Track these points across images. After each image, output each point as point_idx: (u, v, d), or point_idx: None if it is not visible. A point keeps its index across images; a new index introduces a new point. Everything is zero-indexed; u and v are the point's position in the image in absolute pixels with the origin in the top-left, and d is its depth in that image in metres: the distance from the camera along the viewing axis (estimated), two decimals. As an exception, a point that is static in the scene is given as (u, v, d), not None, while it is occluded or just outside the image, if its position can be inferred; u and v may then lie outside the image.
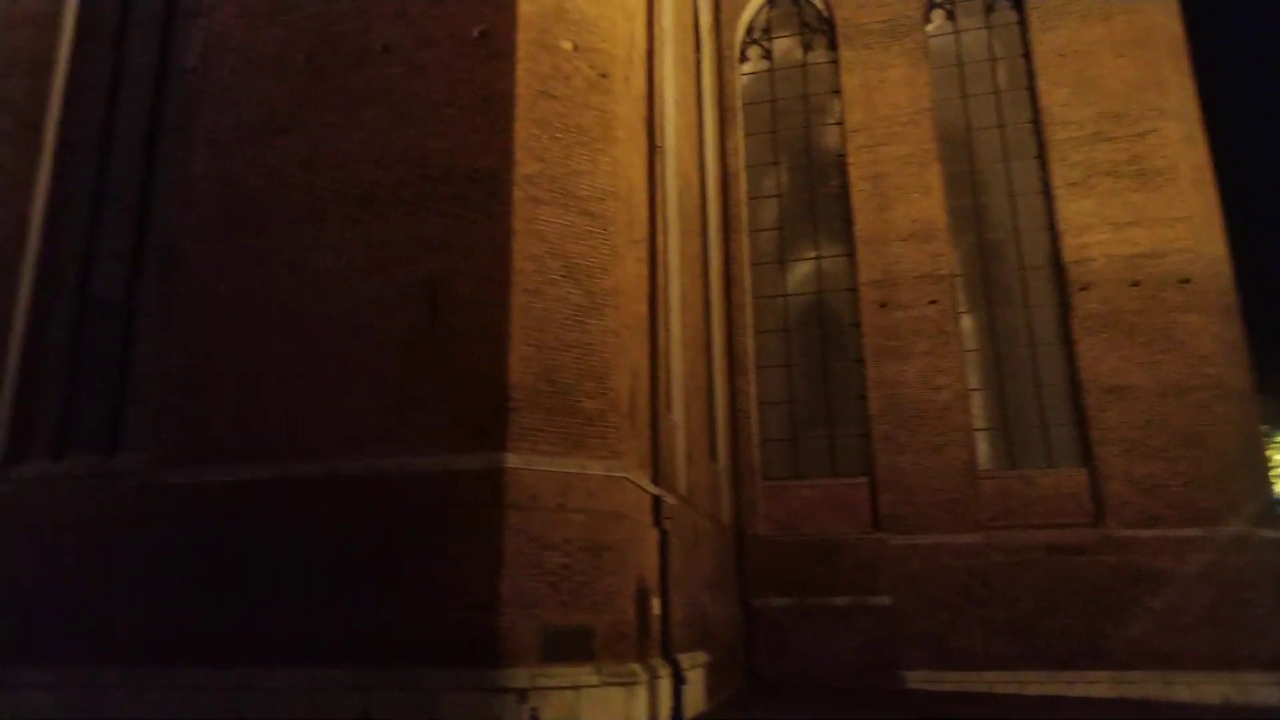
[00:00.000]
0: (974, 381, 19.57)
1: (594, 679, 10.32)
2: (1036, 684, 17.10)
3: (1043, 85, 20.37)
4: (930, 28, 21.73)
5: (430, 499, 10.70)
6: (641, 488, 12.30)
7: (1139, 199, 19.13)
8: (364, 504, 10.87)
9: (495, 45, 12.09)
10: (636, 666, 10.88)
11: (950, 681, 17.51)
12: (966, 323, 20.00)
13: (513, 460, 10.65)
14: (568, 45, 12.36)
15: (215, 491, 11.44)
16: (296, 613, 10.66)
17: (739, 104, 22.58)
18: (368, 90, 12.38)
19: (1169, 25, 20.16)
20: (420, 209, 11.76)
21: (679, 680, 11.99)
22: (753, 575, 19.37)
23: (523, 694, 9.92)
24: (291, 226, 12.20)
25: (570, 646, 10.39)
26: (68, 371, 13.42)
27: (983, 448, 19.24)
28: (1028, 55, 20.83)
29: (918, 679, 17.75)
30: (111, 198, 14.04)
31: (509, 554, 10.36)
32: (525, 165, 11.65)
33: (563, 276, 11.59)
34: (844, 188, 21.22)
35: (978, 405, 19.45)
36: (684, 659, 12.61)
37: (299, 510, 11.07)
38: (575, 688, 10.18)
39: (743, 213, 21.90)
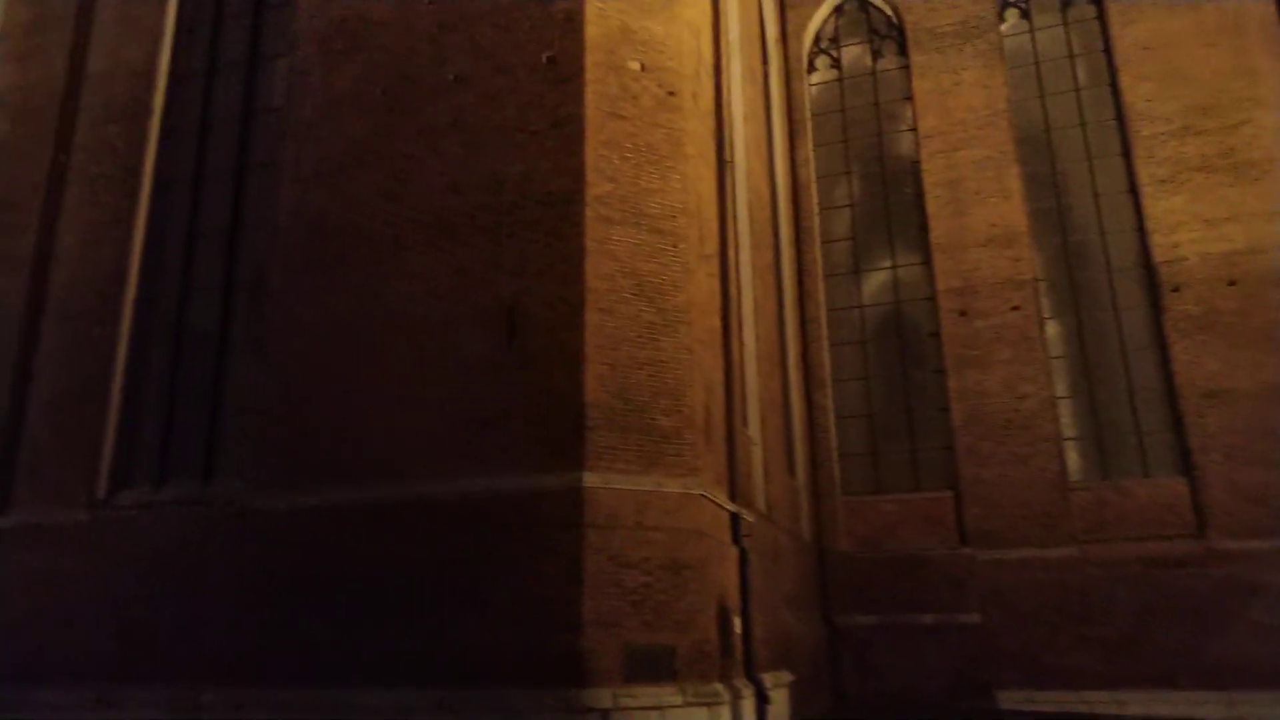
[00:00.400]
0: (1061, 389, 18.92)
1: (677, 699, 10.26)
2: (1138, 704, 16.35)
3: (1125, 80, 19.69)
4: (1004, 27, 21.24)
5: (511, 519, 10.83)
6: (719, 505, 12.22)
7: (1233, 194, 18.29)
8: (448, 525, 11.06)
9: (564, 70, 12.27)
10: (720, 686, 10.78)
11: (1047, 701, 16.87)
12: (1052, 329, 19.37)
13: (590, 479, 10.70)
14: (635, 65, 12.46)
15: (306, 515, 11.79)
16: (386, 633, 10.88)
17: (808, 114, 22.41)
18: (443, 120, 12.69)
19: (1262, 11, 19.27)
20: (496, 234, 11.97)
21: (763, 700, 11.84)
22: (836, 592, 19.04)
23: (606, 714, 9.92)
24: (373, 256, 12.55)
25: (653, 666, 10.36)
26: (166, 401, 14.02)
27: (1072, 458, 18.55)
28: (1108, 50, 20.17)
29: (1012, 699, 17.15)
30: (204, 234, 14.66)
31: (589, 573, 10.39)
32: (596, 186, 11.76)
33: (635, 294, 11.65)
34: (919, 194, 20.83)
35: (1066, 414, 18.78)
36: (767, 678, 12.45)
37: (386, 532, 11.32)
38: (659, 708, 10.13)
39: (815, 224, 21.68)
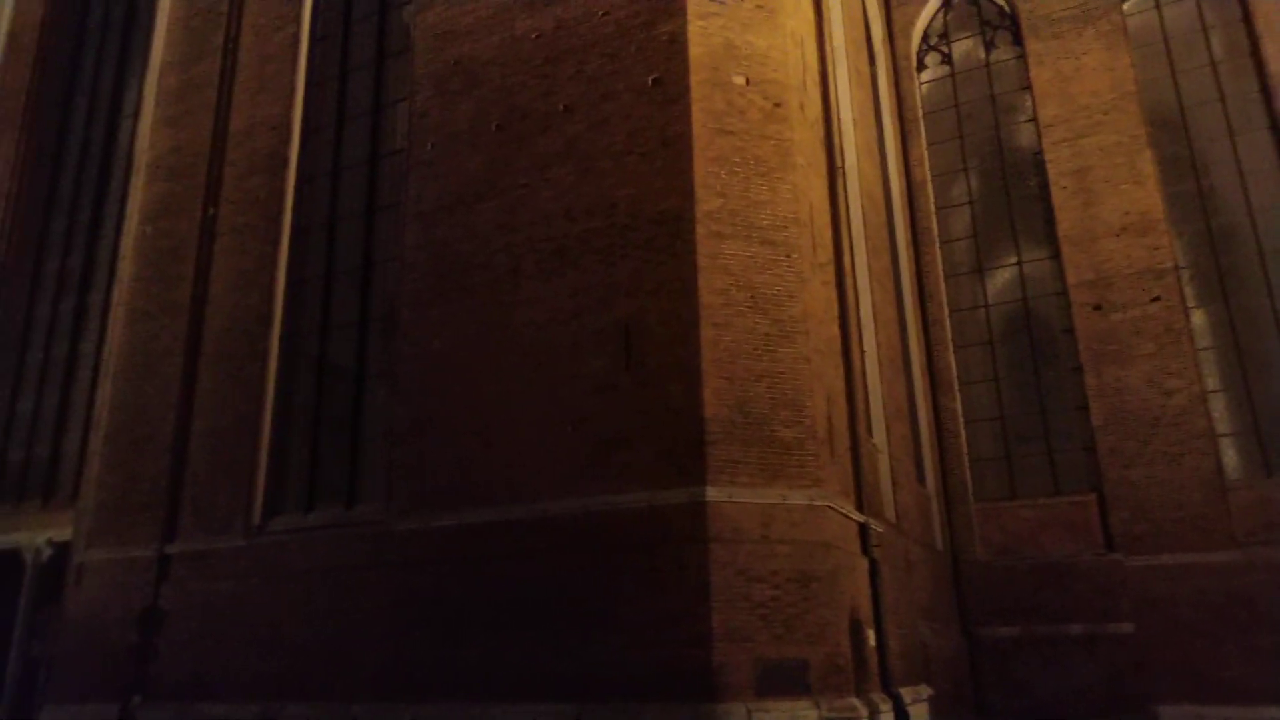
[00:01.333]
0: (1213, 383, 17.73)
1: (812, 713, 10.13)
2: (1320, 720, 15.07)
3: (1269, 49, 18.41)
4: (1127, 6, 20.21)
5: (636, 535, 10.97)
6: (846, 515, 12.03)
7: (1399, 161, 16.79)
8: (574, 542, 11.31)
9: (670, 90, 12.46)
10: (856, 701, 10.58)
11: (1215, 717, 15.73)
12: (1198, 318, 18.20)
13: (713, 493, 10.74)
14: (740, 80, 12.53)
15: (440, 536, 12.29)
16: (521, 649, 11.20)
17: (920, 113, 21.89)
18: (555, 149, 13.08)
19: None
20: (610, 255, 12.23)
21: (902, 715, 11.54)
22: (973, 603, 18.35)
23: (741, 728, 9.90)
24: (493, 284, 13.03)
25: (785, 680, 10.27)
26: (311, 432, 14.90)
27: (1229, 455, 17.33)
28: (1248, 19, 18.91)
29: (1175, 714, 16.08)
30: (339, 274, 15.55)
31: (717, 587, 10.41)
32: (706, 202, 11.86)
33: (750, 308, 11.66)
34: (1043, 187, 20.02)
35: (1219, 408, 17.57)
36: (905, 692, 12.12)
37: (516, 551, 11.67)
38: (794, 722, 10.03)
39: (932, 224, 21.12)
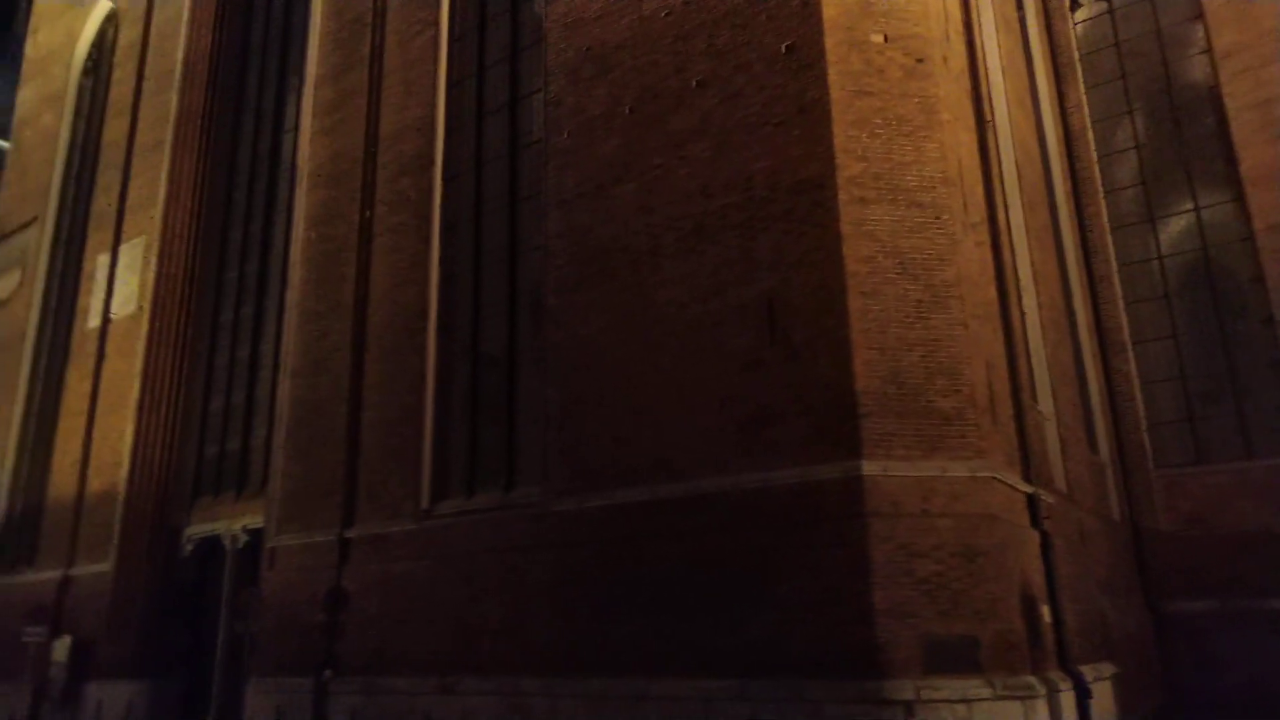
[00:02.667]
0: None
1: (986, 691, 9.74)
2: None
3: None
4: (1315, -88, 18.13)
5: (790, 512, 10.85)
6: (1012, 487, 11.47)
7: None
8: (727, 519, 11.29)
9: (804, 56, 12.13)
10: (1033, 679, 10.10)
11: None
12: None
13: (869, 468, 10.47)
14: (878, 39, 12.05)
15: (596, 516, 12.56)
16: (681, 625, 11.31)
17: (1076, 55, 20.44)
18: (689, 126, 13.01)
19: None
20: (749, 230, 12.08)
21: (1083, 694, 10.93)
22: (1159, 576, 17.14)
23: (909, 707, 9.64)
24: (634, 266, 13.14)
25: (954, 657, 9.92)
26: (469, 419, 15.52)
27: None
28: None
29: (1402, 697, 14.53)
30: (487, 265, 16.08)
31: (877, 563, 10.17)
32: (847, 168, 11.51)
33: (899, 274, 11.24)
34: (1221, 123, 18.31)
35: None
36: (1086, 670, 11.47)
37: (669, 529, 11.77)
38: (966, 701, 9.69)
39: (1095, 173, 19.72)
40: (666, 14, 13.73)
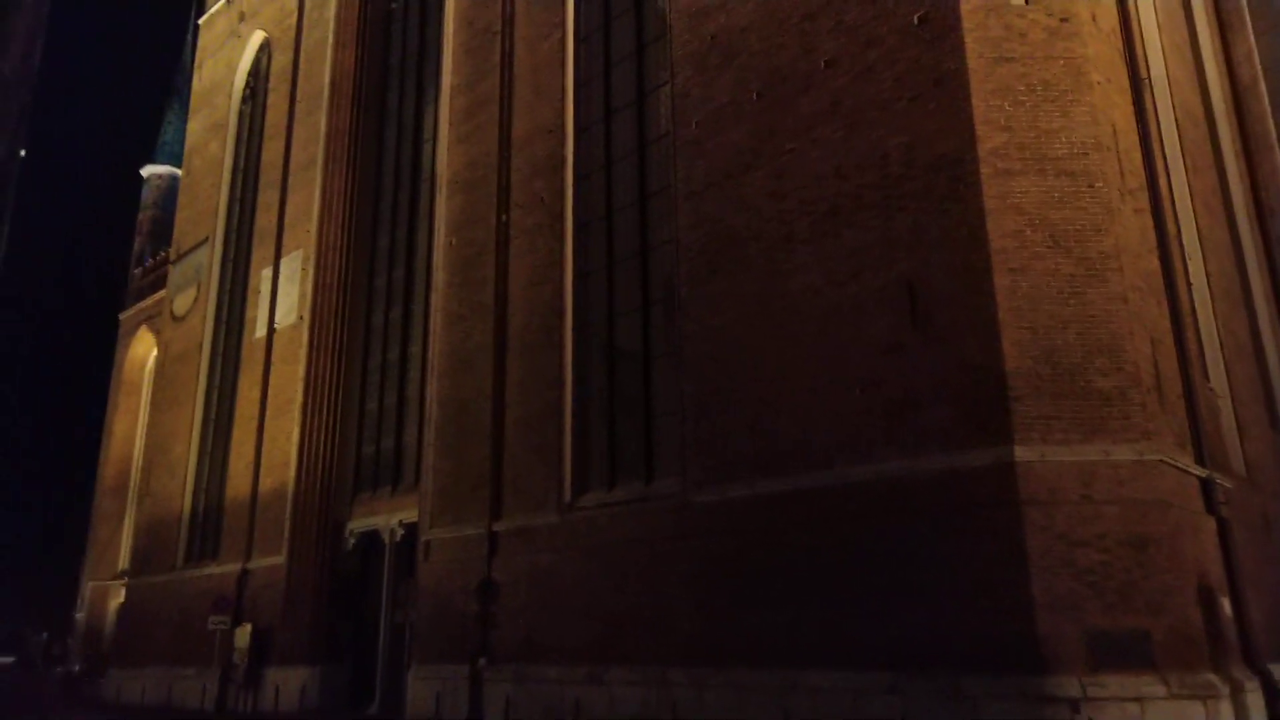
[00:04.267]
0: None
1: (1160, 689, 9.12)
2: None
3: None
4: None
5: (939, 500, 10.47)
6: (1184, 470, 10.67)
7: None
8: (872, 508, 11.02)
9: (938, 25, 11.65)
10: (1213, 677, 9.39)
11: None
12: None
13: (1022, 453, 9.97)
14: (1018, 1, 11.42)
15: (736, 507, 12.51)
16: (826, 616, 11.13)
17: (1243, 1, 18.73)
18: (820, 107, 12.74)
19: None
20: (885, 210, 11.72)
21: (1272, 694, 10.05)
22: (1361, 567, 15.53)
23: (1075, 704, 9.14)
24: (765, 254, 12.98)
25: (1123, 653, 9.33)
26: (607, 413, 15.76)
27: None
28: None
29: None
30: (619, 261, 16.27)
31: (1034, 553, 9.68)
32: (989, 139, 10.98)
33: (1049, 248, 10.65)
34: None
35: None
36: (1275, 669, 10.54)
37: (812, 519, 11.59)
38: (1138, 699, 9.10)
39: (1268, 127, 17.99)
40: (791, -5, 13.47)
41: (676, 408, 14.00)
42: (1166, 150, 13.77)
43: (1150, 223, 11.90)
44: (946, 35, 11.52)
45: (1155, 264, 11.72)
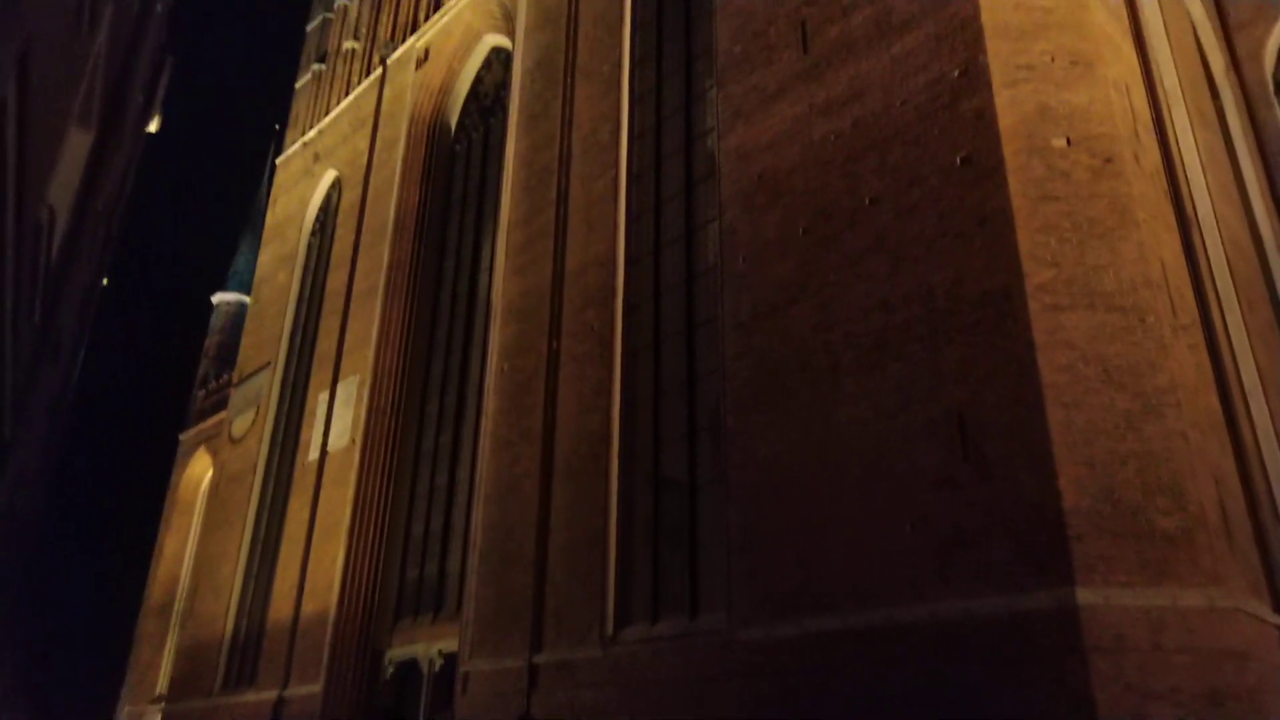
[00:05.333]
0: None
1: None
2: None
3: None
4: None
5: (997, 644, 9.98)
6: (1261, 619, 10.07)
7: None
8: (927, 652, 10.52)
9: (981, 166, 11.94)
10: None
11: None
12: None
13: (1085, 596, 9.53)
14: (1059, 143, 11.70)
15: (784, 645, 12.04)
16: (879, 768, 10.49)
17: (1289, 144, 18.90)
18: (865, 243, 12.99)
19: None
20: (932, 343, 11.72)
21: None
22: None
23: None
24: (813, 384, 12.98)
25: (1206, 821, 8.59)
26: (652, 544, 15.53)
27: None
28: None
29: None
30: (667, 390, 16.40)
31: (1103, 706, 9.09)
32: (1036, 275, 11.03)
33: (1103, 383, 10.49)
34: None
35: None
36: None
37: (864, 660, 11.09)
38: None
39: (1326, 266, 17.82)
40: (835, 137, 13.99)
41: (722, 539, 13.75)
42: (1218, 286, 13.68)
43: (1206, 359, 11.71)
44: (989, 175, 11.79)
45: (1214, 401, 11.45)
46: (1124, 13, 13.72)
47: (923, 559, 10.93)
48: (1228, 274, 14.24)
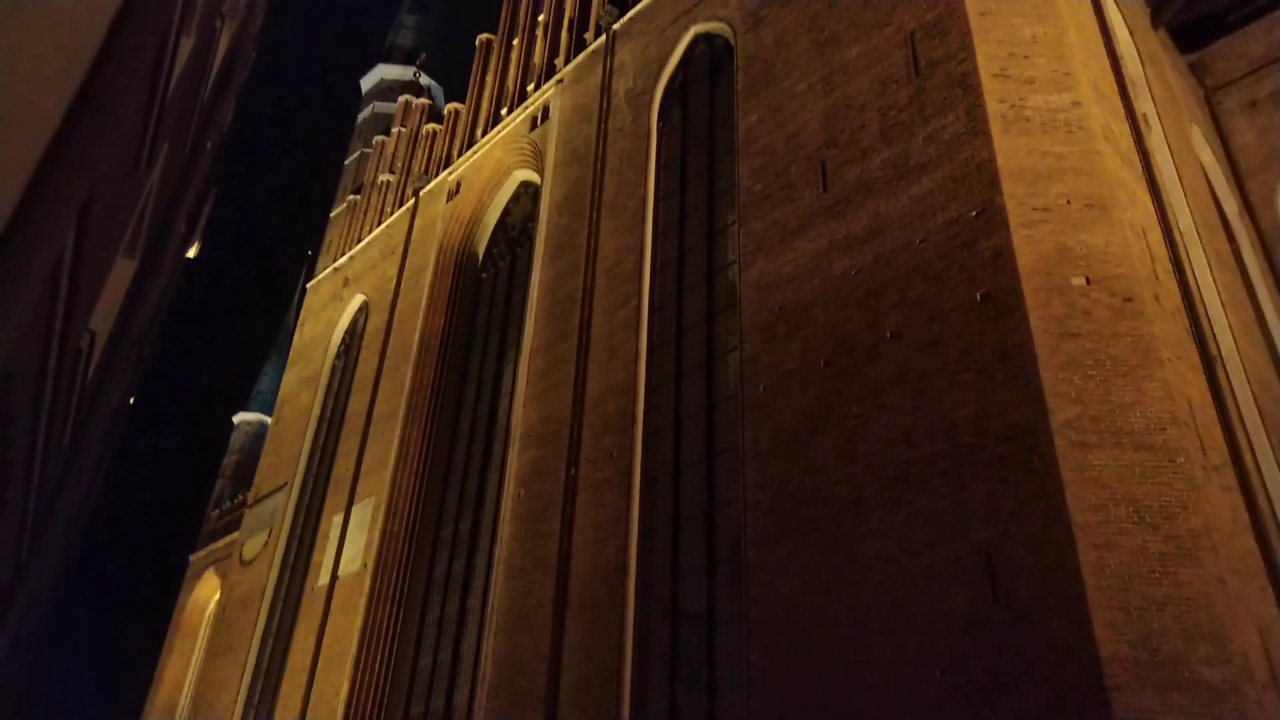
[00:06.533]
0: None
1: None
2: None
3: None
4: None
5: (1037, 803, 9.38)
6: (1322, 782, 9.44)
7: None
8: (962, 810, 9.90)
9: (1001, 303, 12.07)
10: None
11: None
12: None
13: (1129, 751, 9.01)
14: (1079, 281, 11.85)
15: (809, 797, 11.38)
16: None
17: (1307, 284, 19.07)
18: (885, 376, 13.01)
19: None
20: (958, 479, 11.55)
21: None
22: None
23: None
24: (835, 519, 12.75)
25: None
26: (668, 682, 14.93)
27: None
28: None
29: None
30: (686, 520, 16.15)
31: None
32: (1061, 412, 10.96)
33: (1134, 524, 10.23)
34: None
35: None
36: None
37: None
38: None
39: (1356, 407, 17.63)
40: (856, 272, 14.24)
41: (742, 678, 13.21)
42: (1248, 426, 13.52)
43: (1240, 501, 11.44)
44: (1010, 312, 11.90)
45: (1251, 544, 11.11)
46: (1136, 158, 14.13)
47: (954, 706, 10.43)
48: (1257, 414, 14.10)
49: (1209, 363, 12.60)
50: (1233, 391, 13.52)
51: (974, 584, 10.83)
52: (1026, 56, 14.03)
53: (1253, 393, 14.42)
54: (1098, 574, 9.94)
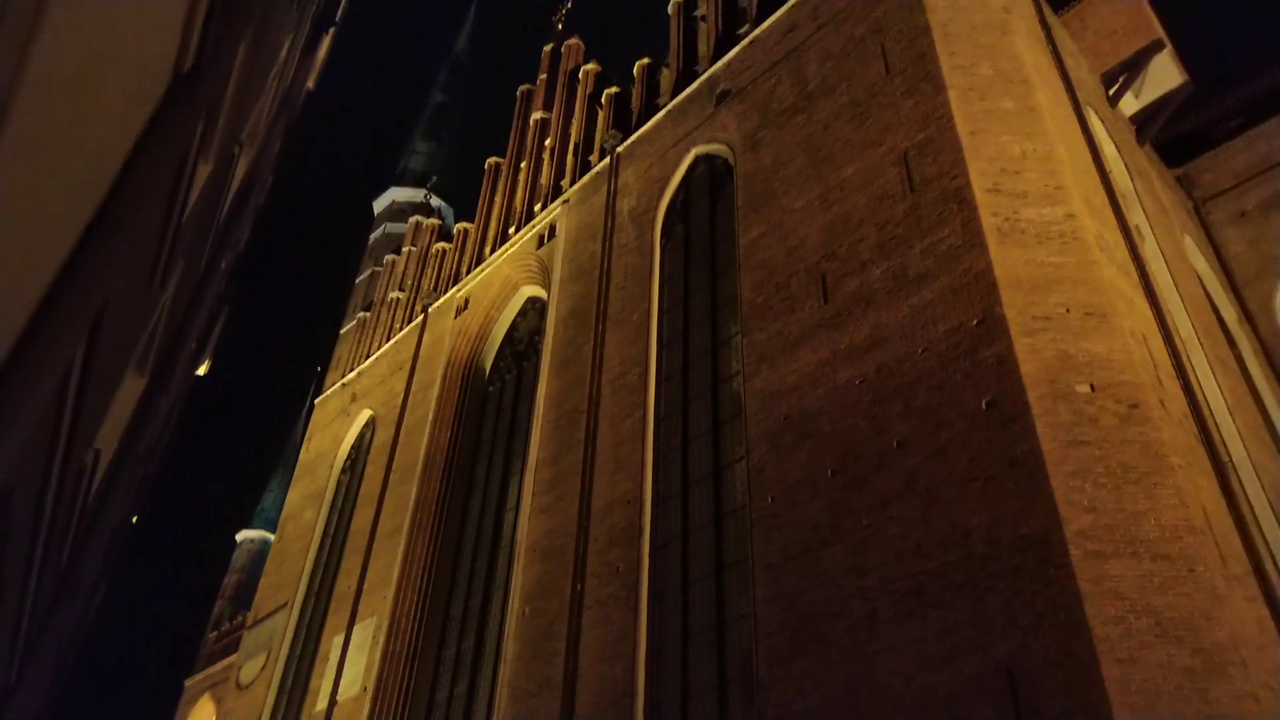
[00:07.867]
0: None
1: None
2: None
3: None
4: None
5: None
6: None
7: None
8: None
9: (1006, 411, 12.04)
10: None
11: None
12: None
13: None
14: (1084, 389, 11.86)
15: None
16: None
17: (1313, 389, 19.06)
18: (893, 485, 12.87)
19: None
20: (973, 590, 11.26)
21: None
22: None
23: None
24: (849, 633, 12.38)
25: None
26: (680, 811, 14.20)
27: None
28: None
29: None
30: (694, 636, 15.68)
31: None
32: (1074, 521, 10.78)
33: (1156, 636, 9.91)
34: None
35: None
36: None
37: None
38: None
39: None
40: (860, 381, 14.29)
41: (757, 809, 12.56)
42: (1266, 532, 13.26)
43: (1266, 612, 11.09)
44: (1016, 419, 11.86)
45: (1281, 658, 10.72)
46: (1132, 268, 14.36)
47: (982, 837, 9.87)
48: (1274, 521, 13.85)
49: (1220, 469, 12.45)
50: (1248, 498, 13.32)
51: (997, 703, 10.42)
52: (1018, 172, 14.46)
53: (1268, 499, 14.20)
54: (1123, 691, 9.56)
